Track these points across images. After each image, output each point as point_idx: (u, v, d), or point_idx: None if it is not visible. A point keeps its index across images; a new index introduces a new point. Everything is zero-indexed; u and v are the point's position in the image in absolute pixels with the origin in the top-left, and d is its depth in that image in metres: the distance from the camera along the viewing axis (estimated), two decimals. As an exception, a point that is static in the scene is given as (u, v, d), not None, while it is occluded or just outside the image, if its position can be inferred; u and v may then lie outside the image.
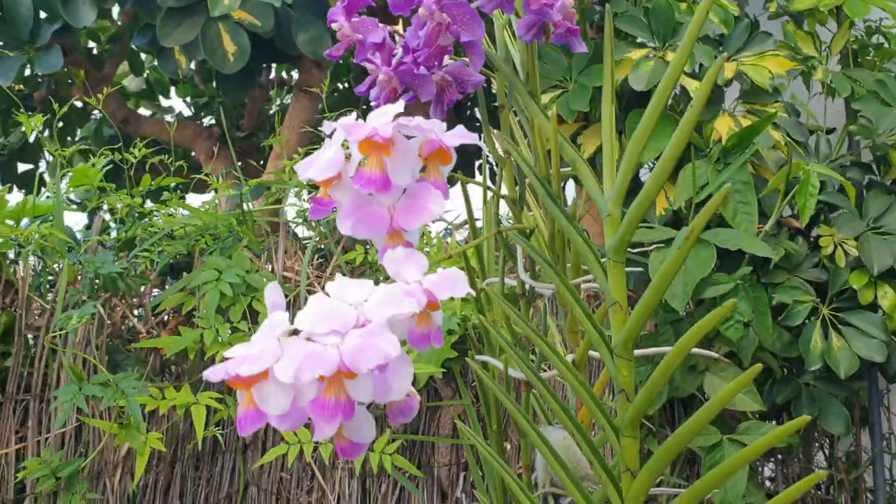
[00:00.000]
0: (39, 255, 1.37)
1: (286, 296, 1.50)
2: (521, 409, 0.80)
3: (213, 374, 0.52)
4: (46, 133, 2.19)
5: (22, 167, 2.59)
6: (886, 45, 2.31)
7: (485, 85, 0.88)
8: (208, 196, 2.47)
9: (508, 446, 1.60)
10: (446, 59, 0.84)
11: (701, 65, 1.78)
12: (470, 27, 0.77)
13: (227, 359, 0.54)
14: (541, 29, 0.82)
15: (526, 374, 0.77)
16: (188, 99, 2.96)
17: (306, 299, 1.46)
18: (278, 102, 3.06)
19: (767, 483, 2.22)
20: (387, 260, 0.64)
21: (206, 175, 1.73)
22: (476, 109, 2.99)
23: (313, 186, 1.65)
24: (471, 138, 0.74)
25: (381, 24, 0.85)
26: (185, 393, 1.27)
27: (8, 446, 1.32)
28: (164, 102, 2.98)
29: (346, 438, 0.58)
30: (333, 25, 0.85)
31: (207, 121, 2.93)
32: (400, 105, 0.71)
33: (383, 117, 0.67)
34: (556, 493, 0.91)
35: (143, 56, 2.66)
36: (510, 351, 0.78)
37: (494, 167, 0.98)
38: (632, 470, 0.71)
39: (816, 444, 2.24)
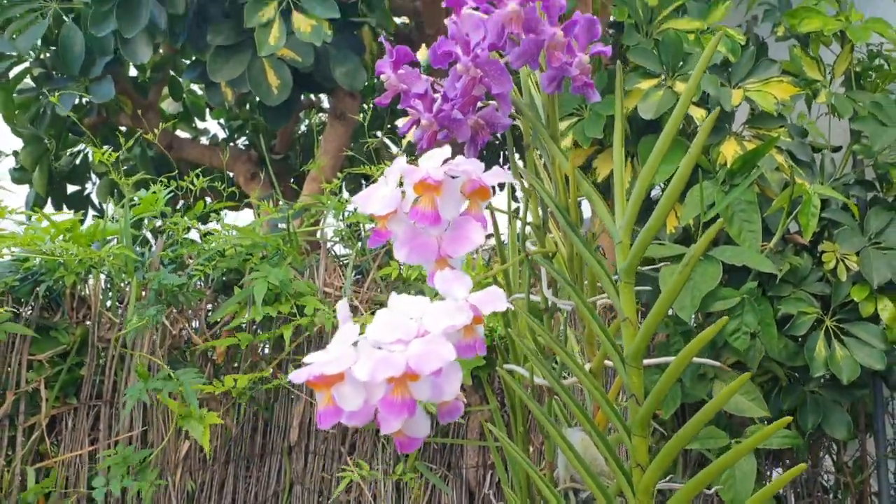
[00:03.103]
0: (108, 274, 1.51)
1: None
2: (545, 412, 0.92)
3: (296, 376, 0.63)
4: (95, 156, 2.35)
5: (70, 188, 2.75)
6: (887, 68, 2.43)
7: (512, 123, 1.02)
8: (242, 213, 2.62)
9: (531, 448, 1.72)
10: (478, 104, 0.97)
11: (707, 94, 1.90)
12: (500, 81, 0.90)
13: (306, 364, 0.65)
14: (561, 82, 0.95)
15: (549, 382, 0.89)
16: (222, 121, 3.11)
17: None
18: (306, 122, 3.20)
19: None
20: (437, 280, 0.76)
21: (248, 198, 1.87)
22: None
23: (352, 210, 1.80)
24: (506, 177, 0.87)
25: (423, 76, 0.99)
26: (240, 378, 1.40)
27: (82, 448, 1.46)
28: (199, 124, 3.13)
29: (405, 434, 0.68)
30: (381, 76, 0.98)
31: (241, 142, 3.07)
32: (447, 150, 0.84)
33: (433, 161, 0.80)
34: (575, 488, 1.02)
35: (180, 80, 2.81)
36: (535, 360, 0.91)
37: (518, 195, 1.11)
38: (641, 465, 0.83)
39: (823, 450, 2.35)
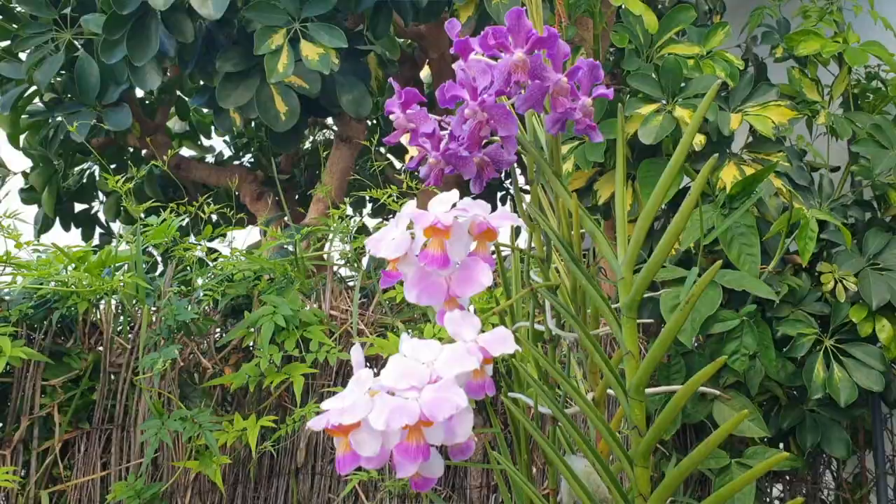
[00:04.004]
0: (120, 301, 1.54)
1: (332, 333, 1.67)
2: (548, 440, 0.95)
3: (315, 423, 0.66)
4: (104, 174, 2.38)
5: (78, 206, 2.79)
6: (884, 90, 2.46)
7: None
8: (246, 230, 2.66)
9: (534, 469, 1.75)
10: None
11: (706, 119, 1.93)
12: (506, 125, 0.93)
13: (323, 411, 0.68)
14: (564, 123, 0.98)
15: (552, 411, 0.92)
16: (227, 138, 3.14)
17: (350, 333, 1.61)
18: (311, 139, 3.23)
19: (777, 503, 2.33)
20: (447, 321, 0.79)
21: (255, 217, 1.90)
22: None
23: (356, 231, 1.83)
24: (512, 219, 0.90)
25: (430, 116, 1.02)
26: (249, 421, 1.43)
27: (94, 472, 1.49)
28: (205, 141, 3.17)
29: (420, 475, 0.71)
30: (391, 116, 1.01)
31: (247, 159, 3.10)
32: (455, 194, 0.87)
33: (443, 206, 0.83)
34: (581, 513, 1.05)
35: (187, 100, 2.85)
36: (538, 388, 0.94)
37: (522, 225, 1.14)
38: (644, 495, 0.86)
39: (823, 465, 2.37)
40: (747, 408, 1.90)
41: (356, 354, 0.74)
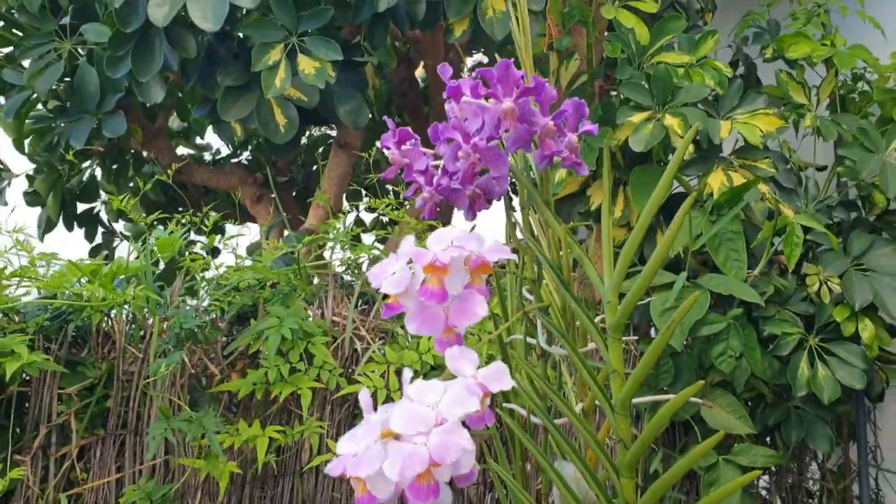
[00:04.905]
0: (131, 311, 1.61)
1: (335, 339, 1.74)
2: (541, 448, 1.01)
3: (333, 469, 0.71)
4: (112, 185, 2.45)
5: (81, 206, 2.84)
6: (869, 91, 2.52)
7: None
8: (246, 229, 2.72)
9: (529, 466, 1.82)
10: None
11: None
12: (497, 165, 1.00)
13: (339, 454, 0.73)
14: (552, 158, 1.05)
15: (544, 423, 0.99)
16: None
17: (352, 340, 1.68)
18: (308, 134, 3.28)
19: (764, 493, 2.40)
20: (447, 358, 0.85)
21: (255, 219, 1.97)
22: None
23: (355, 238, 1.89)
24: (505, 253, 0.96)
25: (424, 151, 1.08)
26: (254, 428, 1.51)
27: (109, 475, 1.56)
28: (201, 140, 3.21)
29: None
30: (386, 152, 1.07)
31: (245, 156, 3.14)
32: (451, 230, 0.93)
33: (441, 245, 0.89)
34: (571, 517, 1.12)
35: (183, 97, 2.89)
36: (529, 401, 1.00)
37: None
38: (629, 503, 0.93)
39: (809, 456, 2.45)
40: (733, 406, 1.97)
41: (364, 397, 0.80)
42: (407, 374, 0.83)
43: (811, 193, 2.29)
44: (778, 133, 2.07)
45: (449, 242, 0.91)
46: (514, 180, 1.12)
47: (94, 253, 2.96)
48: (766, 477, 2.39)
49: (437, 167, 1.08)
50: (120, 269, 1.54)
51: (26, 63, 2.28)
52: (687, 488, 2.11)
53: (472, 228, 1.41)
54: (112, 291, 1.47)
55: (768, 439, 2.21)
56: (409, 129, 1.05)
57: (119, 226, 3.03)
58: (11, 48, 2.33)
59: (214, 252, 2.35)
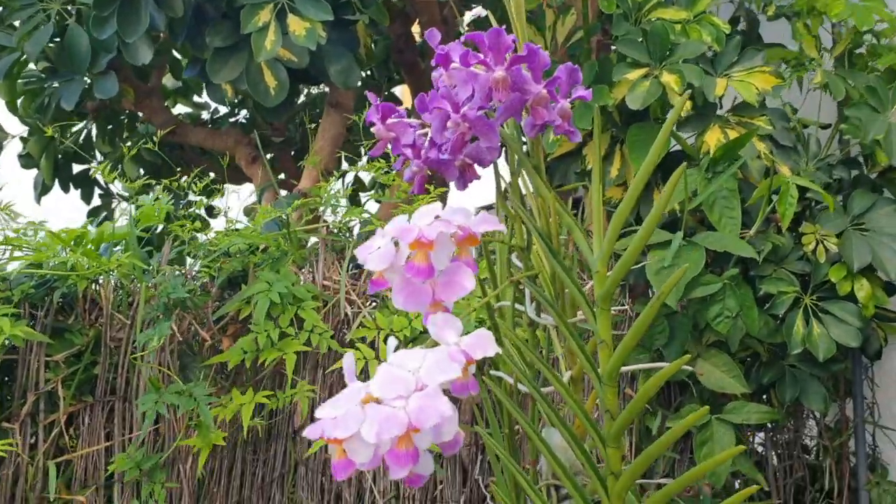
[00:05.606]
0: (117, 278, 1.59)
1: (326, 303, 1.72)
2: (527, 418, 1.01)
3: (311, 432, 0.70)
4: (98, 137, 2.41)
5: (77, 167, 2.81)
6: (877, 43, 2.46)
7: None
8: (242, 186, 2.69)
9: (519, 430, 1.82)
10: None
11: (691, 84, 1.94)
12: (488, 136, 0.97)
13: (318, 419, 0.72)
14: (543, 127, 1.02)
15: (530, 391, 0.98)
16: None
17: (345, 306, 1.66)
18: (307, 93, 3.22)
19: (760, 448, 2.41)
20: (430, 325, 0.84)
21: (250, 180, 1.94)
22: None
23: (353, 198, 1.87)
24: (494, 224, 0.94)
25: (410, 124, 1.05)
26: (247, 397, 1.51)
27: (99, 442, 1.56)
28: (198, 98, 3.16)
29: (413, 473, 0.75)
30: (371, 128, 1.04)
31: (243, 115, 3.10)
32: (438, 206, 0.91)
33: (426, 219, 0.87)
34: (556, 484, 1.12)
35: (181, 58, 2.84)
36: (516, 369, 0.99)
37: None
38: (615, 473, 0.92)
39: (805, 415, 2.45)
40: (728, 365, 1.97)
41: (347, 361, 0.79)
42: (391, 343, 0.81)
43: (812, 151, 2.25)
44: (774, 91, 2.03)
45: (434, 217, 0.88)
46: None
47: (92, 214, 2.93)
48: (761, 434, 2.39)
49: (425, 137, 1.05)
50: (104, 237, 1.52)
51: (18, 24, 2.24)
52: (681, 447, 2.11)
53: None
54: (97, 259, 1.46)
55: (765, 398, 2.21)
56: (407, 86, 1.02)
57: (118, 187, 2.99)
58: (2, 9, 2.29)
59: (209, 211, 2.33)
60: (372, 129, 1.00)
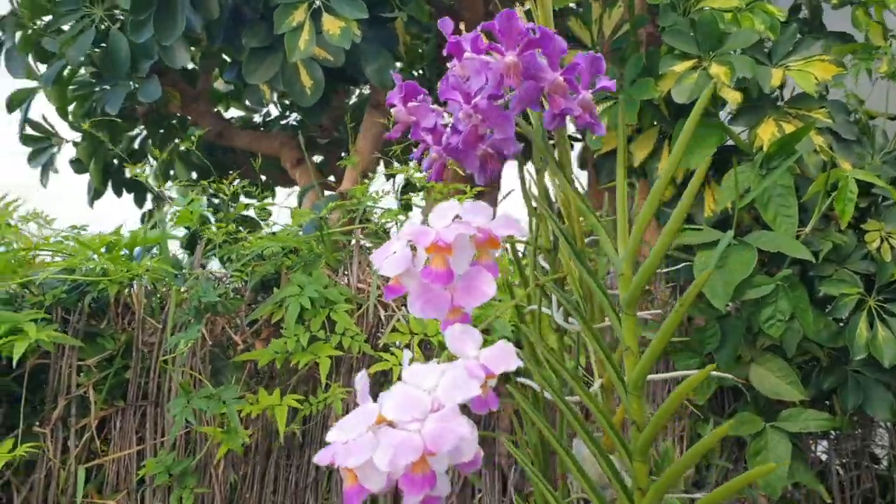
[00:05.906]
0: (149, 283, 1.59)
1: (360, 306, 1.69)
2: (557, 429, 0.95)
3: (322, 458, 0.65)
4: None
5: (129, 172, 2.83)
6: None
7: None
8: (293, 189, 2.68)
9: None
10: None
11: (744, 77, 1.85)
12: (502, 127, 0.91)
13: (329, 442, 0.67)
14: (564, 118, 0.96)
15: (554, 400, 0.92)
16: (274, 98, 3.13)
17: (377, 307, 1.63)
18: (357, 93, 3.20)
19: (823, 457, 2.30)
20: (447, 337, 0.79)
21: (296, 183, 1.92)
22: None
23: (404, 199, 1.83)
24: (515, 227, 0.88)
25: (433, 108, 1.00)
26: (274, 397, 1.48)
27: (130, 447, 1.55)
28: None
29: (428, 496, 0.71)
30: (392, 110, 1.00)
31: (294, 118, 3.09)
32: (455, 204, 0.85)
33: (444, 220, 0.82)
34: (586, 498, 1.06)
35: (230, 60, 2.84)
36: (540, 378, 0.94)
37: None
38: (642, 489, 0.87)
39: (875, 423, 2.32)
40: (784, 370, 1.88)
41: (360, 382, 0.74)
42: (406, 355, 0.77)
43: (879, 143, 2.13)
44: (835, 81, 1.93)
45: (452, 217, 0.83)
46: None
47: (145, 218, 2.95)
48: (824, 442, 2.28)
49: (447, 126, 1.00)
50: (136, 241, 1.51)
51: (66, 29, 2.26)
52: (735, 456, 2.02)
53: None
54: (125, 264, 1.45)
55: (827, 404, 2.10)
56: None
57: (171, 190, 3.01)
58: (51, 17, 2.31)
59: (260, 214, 2.32)
60: (392, 111, 0.95)
